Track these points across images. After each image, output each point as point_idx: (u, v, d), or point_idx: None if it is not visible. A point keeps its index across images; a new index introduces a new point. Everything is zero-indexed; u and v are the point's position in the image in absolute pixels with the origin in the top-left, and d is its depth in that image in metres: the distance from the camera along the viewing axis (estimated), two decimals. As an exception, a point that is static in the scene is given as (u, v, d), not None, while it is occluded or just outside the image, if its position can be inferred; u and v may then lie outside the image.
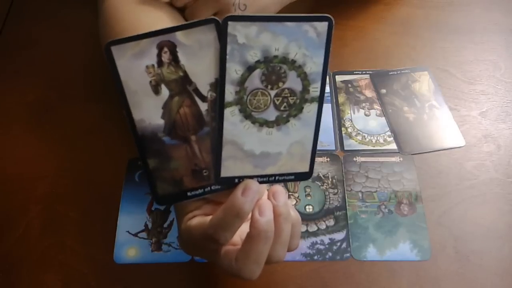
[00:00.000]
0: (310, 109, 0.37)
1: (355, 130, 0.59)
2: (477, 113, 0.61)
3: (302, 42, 0.35)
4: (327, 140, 0.59)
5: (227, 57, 0.34)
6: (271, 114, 0.37)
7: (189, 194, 0.39)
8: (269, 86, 0.36)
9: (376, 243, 0.51)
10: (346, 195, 0.54)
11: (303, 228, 0.52)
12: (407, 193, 0.54)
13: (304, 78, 0.36)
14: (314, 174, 0.56)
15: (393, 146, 0.58)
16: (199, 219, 0.39)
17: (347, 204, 0.54)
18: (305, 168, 0.40)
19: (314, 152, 0.39)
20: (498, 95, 0.62)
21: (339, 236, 0.52)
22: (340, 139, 0.59)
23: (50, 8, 0.74)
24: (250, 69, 0.35)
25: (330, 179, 0.55)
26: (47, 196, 0.55)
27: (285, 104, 0.37)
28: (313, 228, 0.52)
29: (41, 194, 0.55)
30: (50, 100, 0.64)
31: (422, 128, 0.59)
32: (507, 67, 0.65)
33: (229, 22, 0.33)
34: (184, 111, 0.36)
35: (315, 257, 0.50)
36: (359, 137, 0.59)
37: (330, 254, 0.50)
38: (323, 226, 0.52)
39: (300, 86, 0.36)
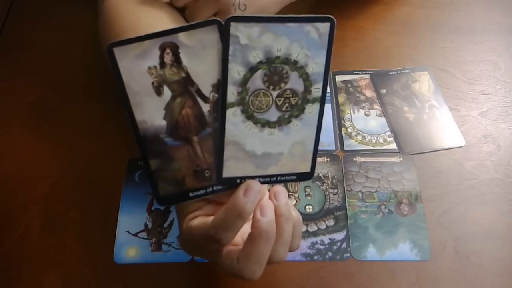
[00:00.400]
0: (311, 110, 0.37)
1: (355, 130, 0.59)
2: (477, 113, 0.61)
3: (304, 42, 0.35)
4: (327, 140, 0.59)
5: (229, 58, 0.34)
6: (273, 114, 0.37)
7: (191, 194, 0.39)
8: (271, 87, 0.36)
9: (376, 243, 0.51)
10: (346, 195, 0.54)
11: (303, 228, 0.52)
12: (407, 193, 0.54)
13: (306, 78, 0.36)
14: (314, 174, 0.56)
15: (393, 146, 0.58)
16: (200, 219, 0.39)
17: (347, 204, 0.54)
18: (307, 169, 0.40)
19: (315, 153, 0.39)
20: (498, 95, 0.62)
21: (339, 236, 0.52)
22: (340, 139, 0.59)
23: (50, 8, 0.74)
24: (252, 70, 0.35)
25: (330, 179, 0.55)
26: (47, 196, 0.55)
27: (287, 104, 0.37)
28: (313, 228, 0.52)
29: (41, 194, 0.55)
30: (50, 100, 0.64)
31: (422, 128, 0.59)
32: (507, 67, 0.65)
33: (232, 23, 0.33)
34: (186, 112, 0.36)
35: (315, 257, 0.50)
36: (359, 137, 0.59)
37: (330, 254, 0.50)
38: (323, 226, 0.52)
39: (302, 86, 0.36)
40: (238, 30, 0.34)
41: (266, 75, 0.35)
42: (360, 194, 0.54)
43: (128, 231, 0.52)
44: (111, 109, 0.60)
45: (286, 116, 0.37)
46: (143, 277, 0.50)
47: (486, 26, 0.69)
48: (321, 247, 0.51)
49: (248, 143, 0.37)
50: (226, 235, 0.36)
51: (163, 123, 0.36)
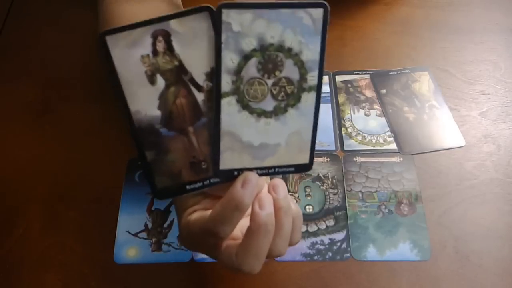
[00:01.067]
0: (308, 99, 0.37)
1: (355, 130, 0.59)
2: (477, 113, 0.61)
3: (298, 29, 0.34)
4: (327, 140, 0.59)
5: (222, 45, 0.34)
6: (269, 104, 0.36)
7: (188, 187, 0.38)
8: (266, 75, 0.36)
9: (376, 243, 0.51)
10: (346, 195, 0.54)
11: (303, 228, 0.52)
12: (407, 193, 0.54)
13: (301, 66, 0.36)
14: (314, 174, 0.56)
15: (393, 146, 0.58)
16: (199, 213, 0.39)
17: (347, 204, 0.54)
18: (305, 160, 0.39)
19: (313, 143, 0.38)
20: (498, 95, 0.62)
21: (339, 236, 0.52)
22: (340, 139, 0.59)
23: (50, 8, 0.74)
24: (246, 57, 0.34)
25: (330, 179, 0.55)
26: (47, 196, 0.55)
27: (282, 93, 0.36)
28: (313, 228, 0.52)
29: (41, 194, 0.55)
30: (50, 100, 0.64)
31: (422, 128, 0.59)
32: (507, 67, 0.65)
33: (223, 10, 0.33)
34: (180, 101, 0.36)
35: (315, 257, 0.50)
36: (359, 137, 0.59)
37: (330, 254, 0.50)
38: (323, 226, 0.52)
39: (297, 74, 0.36)
40: (230, 17, 0.33)
41: (260, 63, 0.35)
42: (360, 194, 0.54)
43: (128, 231, 0.52)
44: (110, 109, 0.60)
45: (282, 105, 0.37)
46: (143, 277, 0.50)
47: (486, 26, 0.69)
48: (321, 247, 0.51)
49: (244, 133, 0.37)
50: (224, 228, 0.36)
51: (158, 113, 0.36)
